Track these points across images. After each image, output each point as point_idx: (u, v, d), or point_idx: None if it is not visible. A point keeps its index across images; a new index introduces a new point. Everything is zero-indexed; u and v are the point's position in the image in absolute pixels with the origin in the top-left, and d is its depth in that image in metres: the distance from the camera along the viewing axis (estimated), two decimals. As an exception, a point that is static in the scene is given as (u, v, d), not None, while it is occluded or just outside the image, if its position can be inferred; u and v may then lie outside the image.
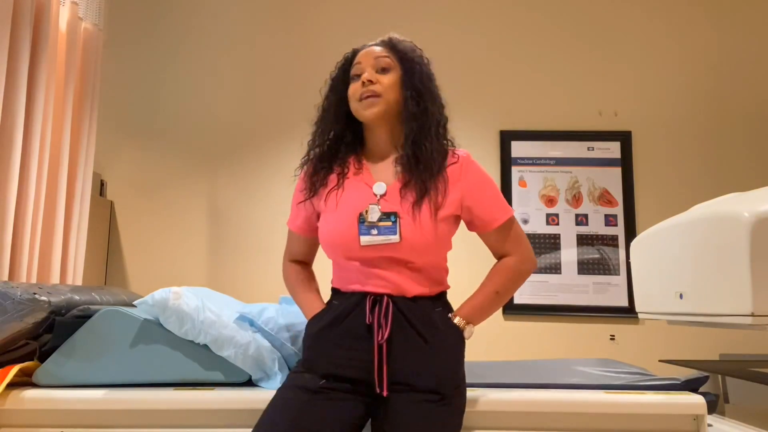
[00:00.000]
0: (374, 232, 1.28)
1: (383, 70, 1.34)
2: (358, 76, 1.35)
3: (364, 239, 1.28)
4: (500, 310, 2.90)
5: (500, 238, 1.37)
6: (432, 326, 1.28)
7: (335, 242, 1.31)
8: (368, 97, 1.31)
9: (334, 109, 1.39)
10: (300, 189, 1.44)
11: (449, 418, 1.26)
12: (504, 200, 1.37)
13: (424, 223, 1.28)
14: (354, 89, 1.35)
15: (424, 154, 1.31)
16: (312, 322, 1.36)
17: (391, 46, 1.38)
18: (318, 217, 1.41)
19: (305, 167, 1.44)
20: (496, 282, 1.35)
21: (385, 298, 1.28)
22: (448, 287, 1.40)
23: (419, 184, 1.30)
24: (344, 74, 1.40)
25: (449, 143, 1.38)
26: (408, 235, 1.27)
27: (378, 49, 1.37)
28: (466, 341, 1.34)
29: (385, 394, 1.24)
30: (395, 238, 1.27)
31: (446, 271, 1.39)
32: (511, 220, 1.37)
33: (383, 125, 1.36)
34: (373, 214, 1.29)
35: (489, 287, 1.35)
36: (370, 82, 1.31)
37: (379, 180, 1.35)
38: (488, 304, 1.34)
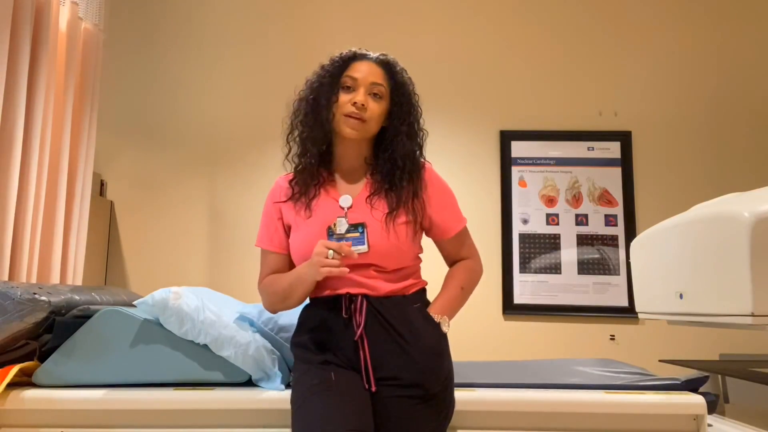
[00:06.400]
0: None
1: (375, 96, 1.37)
2: (351, 88, 1.37)
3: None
4: (500, 310, 2.91)
5: (457, 245, 1.46)
6: (408, 322, 1.32)
7: (307, 255, 1.32)
8: (354, 118, 1.34)
9: (317, 115, 1.38)
10: (274, 199, 1.44)
11: (432, 417, 1.28)
12: (460, 211, 1.47)
13: (393, 231, 1.33)
14: (343, 102, 1.36)
15: (401, 172, 1.37)
16: (296, 333, 1.40)
17: (388, 70, 1.40)
18: (288, 230, 1.42)
19: (283, 177, 1.46)
20: (460, 279, 1.43)
21: (360, 297, 1.32)
22: (425, 283, 1.44)
23: (391, 194, 1.36)
24: (339, 73, 1.39)
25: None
26: (376, 243, 1.32)
27: (376, 68, 1.39)
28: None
29: (373, 389, 1.27)
30: (363, 248, 1.31)
31: (419, 269, 1.44)
32: (466, 229, 1.47)
33: (355, 142, 1.40)
34: (341, 227, 1.34)
35: (454, 283, 1.43)
36: (363, 106, 1.34)
37: (346, 193, 1.39)
38: (456, 300, 1.41)
